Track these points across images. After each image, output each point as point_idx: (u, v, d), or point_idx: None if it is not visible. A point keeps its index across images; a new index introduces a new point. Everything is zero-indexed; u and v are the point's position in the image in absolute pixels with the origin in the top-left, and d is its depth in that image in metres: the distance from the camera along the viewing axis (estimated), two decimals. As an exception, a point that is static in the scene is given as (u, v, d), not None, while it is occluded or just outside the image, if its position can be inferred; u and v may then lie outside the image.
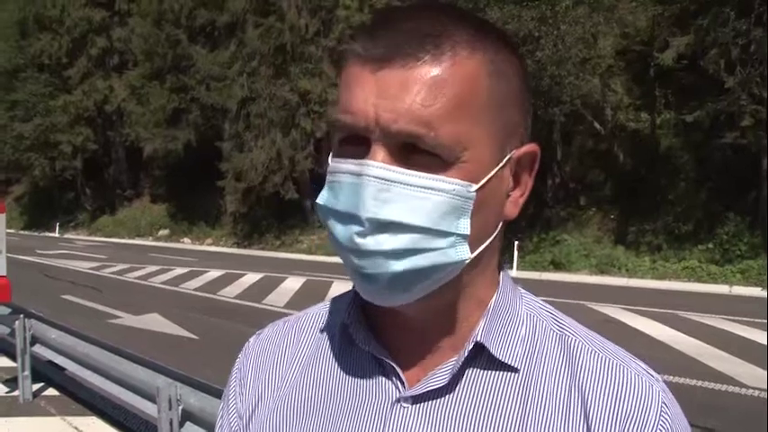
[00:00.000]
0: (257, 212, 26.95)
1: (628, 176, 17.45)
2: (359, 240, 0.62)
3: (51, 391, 6.18)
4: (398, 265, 0.62)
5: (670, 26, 16.11)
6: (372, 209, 0.61)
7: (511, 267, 15.79)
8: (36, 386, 6.07)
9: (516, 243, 16.55)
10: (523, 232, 17.37)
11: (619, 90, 18.47)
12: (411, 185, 0.61)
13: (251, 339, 0.84)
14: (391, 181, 0.61)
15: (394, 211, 0.61)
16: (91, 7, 36.70)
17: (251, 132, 25.22)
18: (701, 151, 16.03)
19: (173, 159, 31.33)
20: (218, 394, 3.28)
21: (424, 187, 0.61)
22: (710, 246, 14.91)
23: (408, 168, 0.61)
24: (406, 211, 0.61)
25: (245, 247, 26.70)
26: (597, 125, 17.75)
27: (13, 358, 6.20)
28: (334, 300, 0.81)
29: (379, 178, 0.61)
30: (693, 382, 6.37)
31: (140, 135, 31.79)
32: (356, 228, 0.62)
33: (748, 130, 13.85)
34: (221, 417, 0.82)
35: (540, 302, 0.75)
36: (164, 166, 33.62)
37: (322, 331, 0.79)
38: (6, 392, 6.18)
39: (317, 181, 19.84)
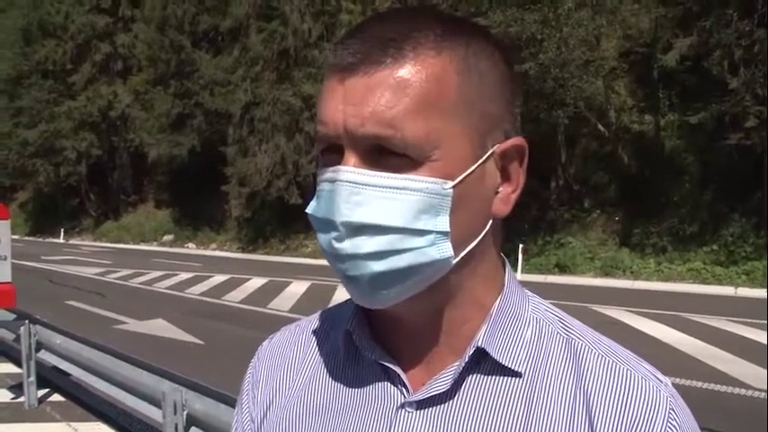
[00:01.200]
0: (261, 217, 26.97)
1: (632, 178, 17.40)
2: (337, 245, 0.63)
3: (56, 397, 6.20)
4: (378, 266, 0.63)
5: (673, 28, 16.06)
6: (345, 212, 0.62)
7: (516, 271, 15.73)
8: (41, 392, 6.09)
9: (521, 246, 16.50)
10: (528, 235, 17.31)
11: (622, 92, 18.45)
12: (381, 187, 0.62)
13: (264, 343, 0.85)
14: (361, 184, 0.62)
15: (366, 213, 0.62)
16: (95, 13, 36.89)
17: (255, 137, 25.26)
18: (705, 153, 15.97)
19: (177, 164, 31.39)
20: (222, 399, 3.28)
21: (395, 188, 0.62)
22: (715, 247, 14.86)
23: (379, 171, 0.62)
24: (379, 212, 0.62)
25: (249, 251, 26.71)
26: (601, 127, 17.72)
27: (18, 364, 6.22)
28: (342, 304, 0.81)
29: (350, 182, 0.62)
30: (699, 383, 6.35)
31: (144, 140, 31.93)
32: (333, 233, 0.63)
33: (752, 131, 13.80)
34: (236, 419, 0.83)
35: (548, 305, 0.74)
36: (168, 171, 33.67)
37: (329, 337, 0.79)
38: (12, 398, 6.20)
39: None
